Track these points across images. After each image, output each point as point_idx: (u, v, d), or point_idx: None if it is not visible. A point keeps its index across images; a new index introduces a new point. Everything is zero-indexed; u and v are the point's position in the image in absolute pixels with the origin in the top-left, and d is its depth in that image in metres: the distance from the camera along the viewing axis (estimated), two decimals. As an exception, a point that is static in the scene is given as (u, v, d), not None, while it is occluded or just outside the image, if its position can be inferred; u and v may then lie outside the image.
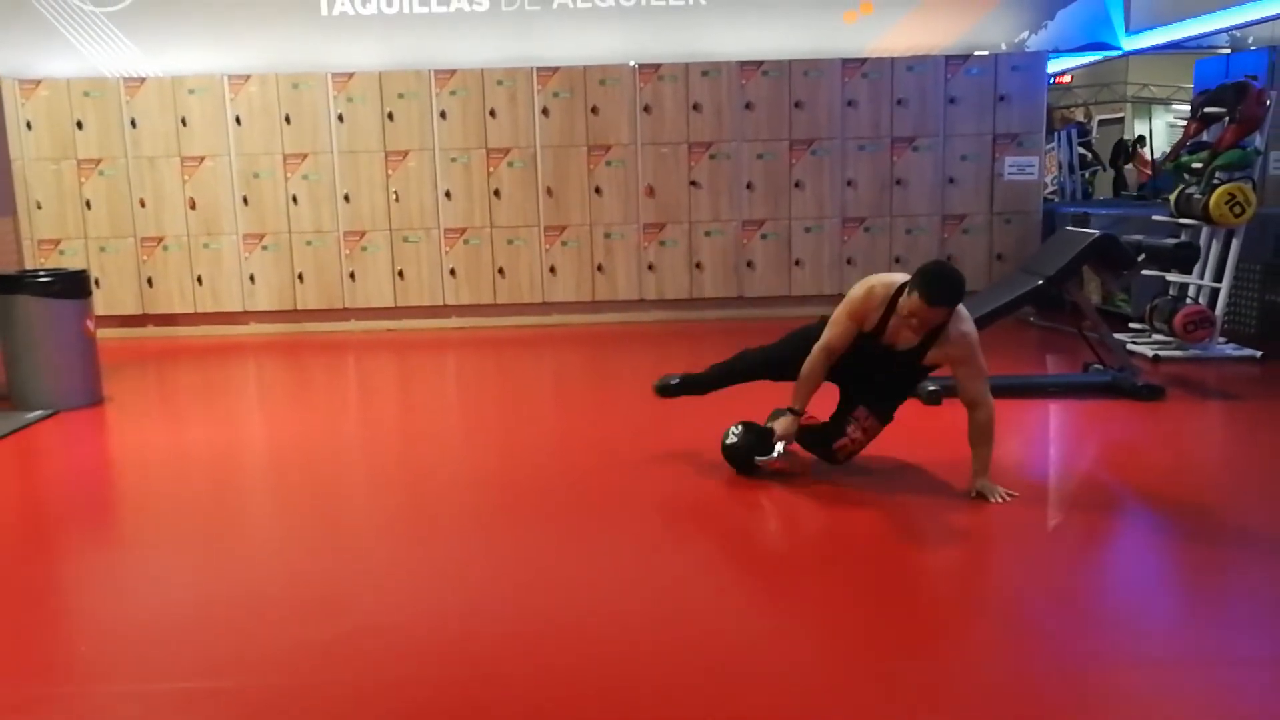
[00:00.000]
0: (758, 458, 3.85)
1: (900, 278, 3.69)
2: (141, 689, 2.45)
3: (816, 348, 3.78)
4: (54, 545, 3.55)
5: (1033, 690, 2.36)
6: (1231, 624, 2.72)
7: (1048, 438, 4.67)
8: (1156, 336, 6.17)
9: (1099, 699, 2.30)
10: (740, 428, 3.92)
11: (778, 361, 4.01)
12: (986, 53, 7.94)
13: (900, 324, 3.62)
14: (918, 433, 4.30)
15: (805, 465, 3.94)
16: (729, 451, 3.92)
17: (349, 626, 2.75)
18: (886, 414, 3.88)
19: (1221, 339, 6.11)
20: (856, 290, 3.75)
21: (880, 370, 3.78)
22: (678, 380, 4.32)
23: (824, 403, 3.93)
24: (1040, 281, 5.06)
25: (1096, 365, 5.36)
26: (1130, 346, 6.02)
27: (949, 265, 3.69)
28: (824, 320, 3.95)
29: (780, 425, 3.88)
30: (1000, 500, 3.58)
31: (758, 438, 3.87)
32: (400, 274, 7.82)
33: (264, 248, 7.78)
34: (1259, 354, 5.92)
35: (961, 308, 3.63)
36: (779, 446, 3.83)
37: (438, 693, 2.40)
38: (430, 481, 4.16)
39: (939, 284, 3.49)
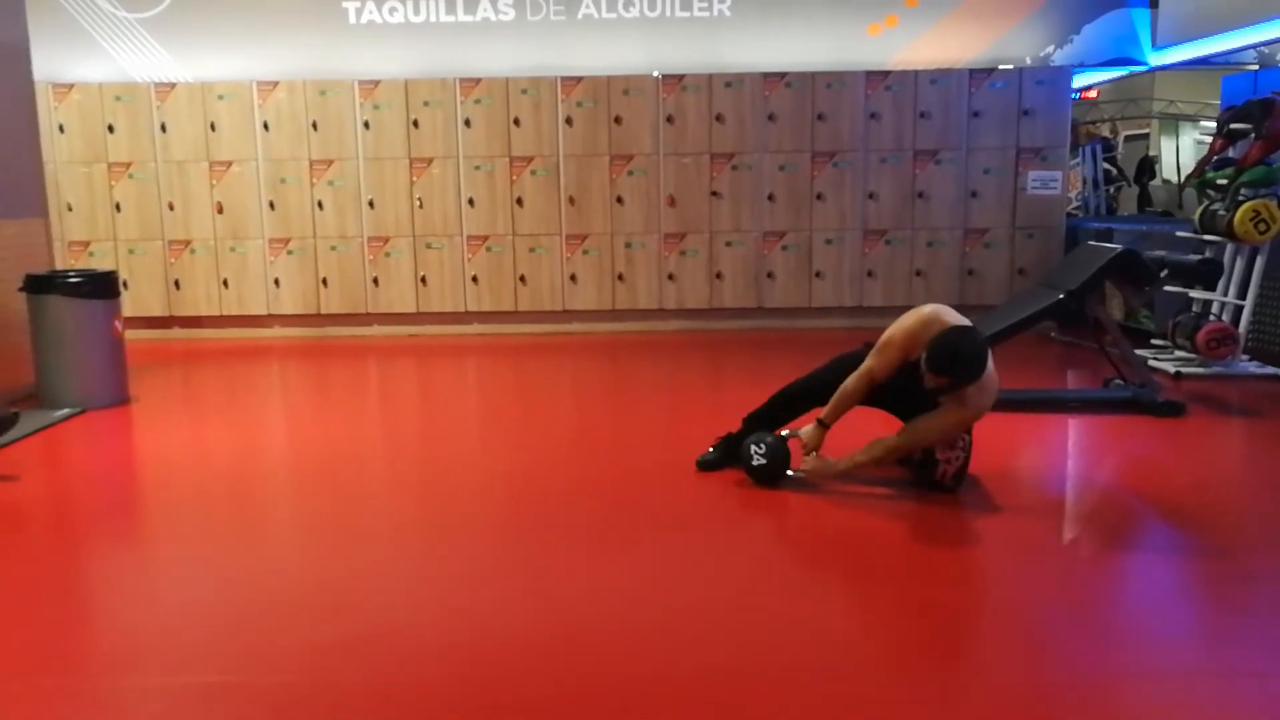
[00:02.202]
0: (789, 471, 3.88)
1: (954, 321, 3.65)
2: (163, 682, 2.49)
3: (860, 371, 3.77)
4: (79, 541, 3.61)
5: (1045, 701, 2.36)
6: (1247, 638, 2.70)
7: (1066, 452, 4.65)
8: (1179, 353, 6.14)
9: (1112, 710, 2.30)
10: (762, 448, 3.88)
11: (825, 389, 3.96)
12: (1011, 66, 7.94)
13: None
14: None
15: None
16: (756, 473, 3.89)
17: (367, 627, 2.78)
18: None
19: (1245, 356, 6.06)
20: (911, 322, 3.70)
21: (917, 395, 3.73)
22: (714, 450, 4.18)
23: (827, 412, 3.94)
24: (1061, 296, 5.05)
25: (1117, 381, 5.34)
26: (1152, 363, 6.00)
27: (966, 340, 3.51)
28: (868, 346, 3.95)
29: (808, 438, 3.88)
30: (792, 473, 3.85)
31: (779, 454, 3.87)
32: (423, 280, 7.89)
33: (289, 252, 7.86)
34: (1282, 372, 5.88)
35: (992, 375, 3.59)
36: (809, 460, 3.87)
37: (453, 695, 2.42)
38: (449, 486, 4.19)
39: (941, 355, 3.46)
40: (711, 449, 4.21)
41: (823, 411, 3.86)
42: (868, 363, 3.77)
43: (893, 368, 3.72)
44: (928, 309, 3.74)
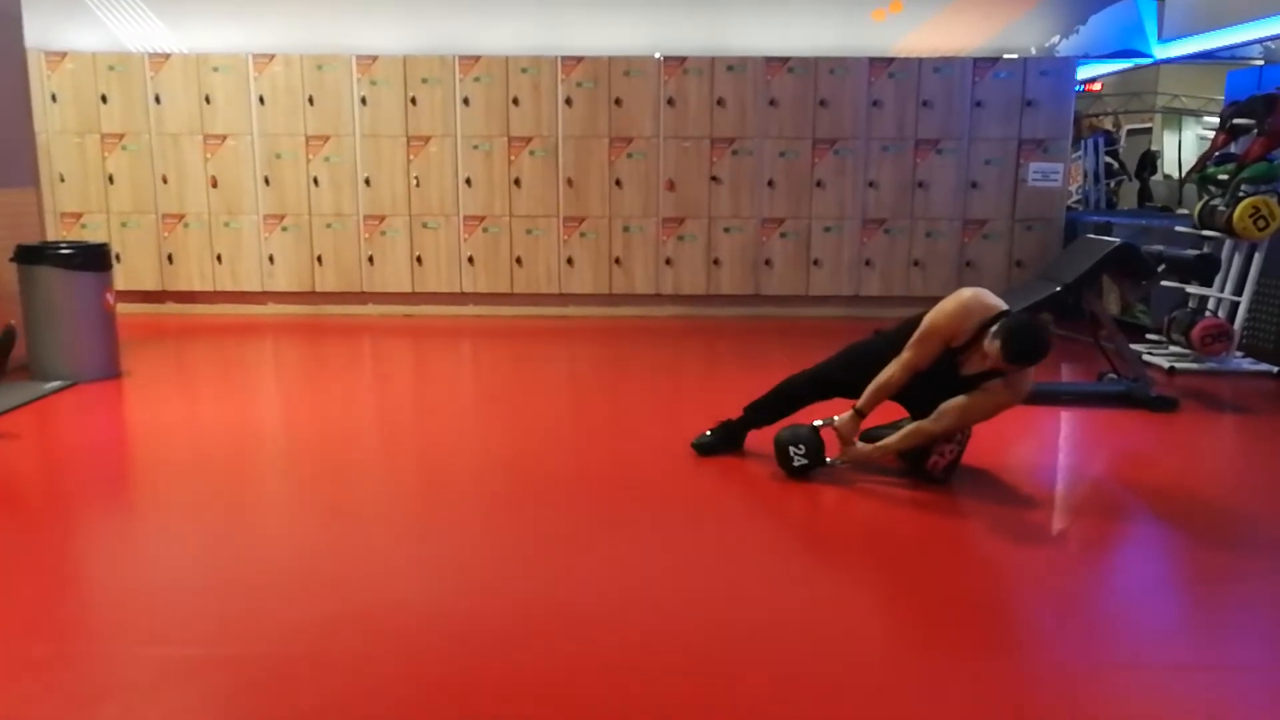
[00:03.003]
0: (827, 460, 3.85)
1: (996, 305, 3.62)
2: (151, 652, 2.49)
3: (903, 362, 3.68)
4: (68, 511, 3.58)
5: (1029, 692, 2.35)
6: (1234, 632, 2.70)
7: (1058, 445, 4.64)
8: (1173, 348, 6.12)
9: (1098, 702, 2.29)
10: (802, 448, 3.81)
11: (832, 381, 3.95)
12: (1015, 56, 7.89)
13: (979, 355, 3.58)
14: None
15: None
16: (797, 473, 3.83)
17: (355, 603, 2.77)
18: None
19: (1239, 353, 6.06)
20: (950, 306, 3.65)
21: (938, 384, 3.70)
22: (711, 434, 4.17)
23: (832, 406, 3.92)
24: (1058, 288, 5.03)
25: (1111, 375, 5.32)
26: (1146, 357, 5.98)
27: (1039, 325, 3.55)
28: (879, 334, 3.92)
29: (844, 427, 3.81)
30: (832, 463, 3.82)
31: (818, 451, 3.82)
32: (419, 260, 7.85)
33: (284, 229, 7.82)
34: (1276, 370, 5.87)
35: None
36: (847, 450, 3.84)
37: (443, 669, 2.41)
38: (440, 465, 4.18)
39: (1022, 345, 3.44)
40: (710, 432, 4.18)
41: (859, 401, 3.77)
42: (907, 354, 3.68)
43: (935, 356, 3.66)
44: (967, 293, 3.68)
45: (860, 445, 3.84)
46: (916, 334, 3.69)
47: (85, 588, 2.98)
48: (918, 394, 3.76)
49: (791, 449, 3.82)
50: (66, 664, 2.44)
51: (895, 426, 3.88)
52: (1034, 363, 3.52)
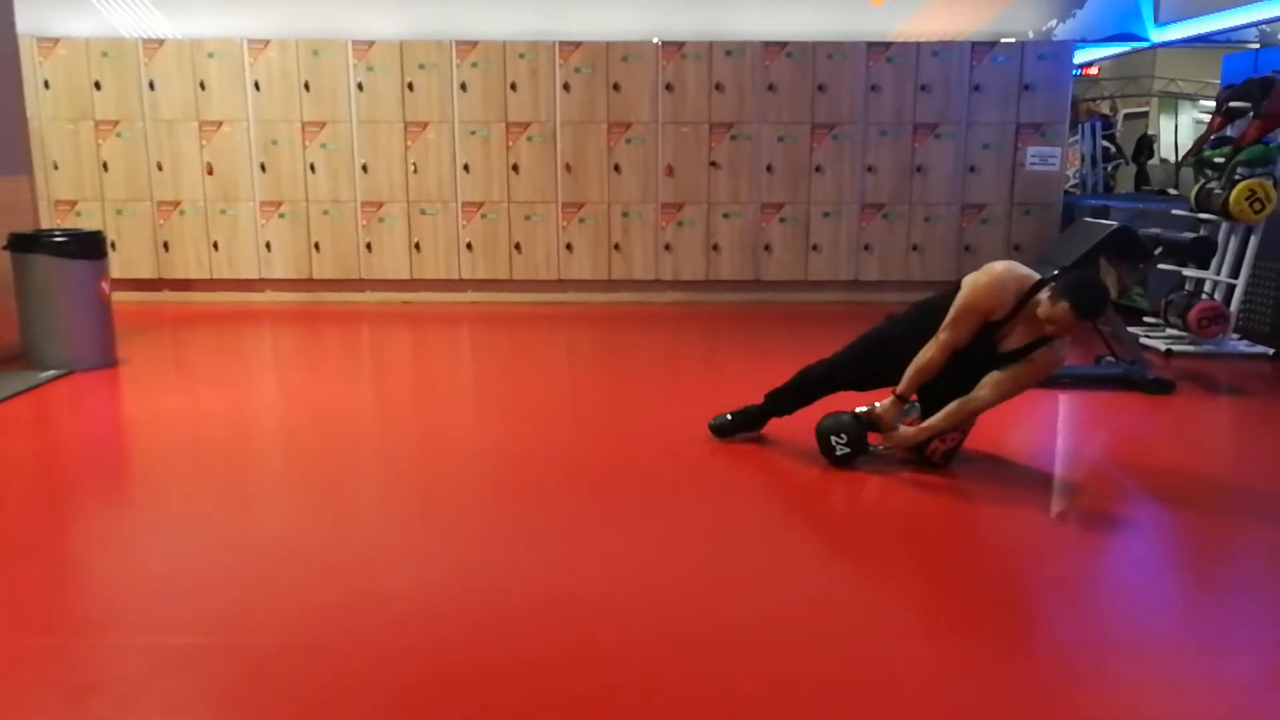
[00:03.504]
0: (870, 448, 3.83)
1: (1030, 275, 3.58)
2: (146, 642, 2.48)
3: (941, 343, 3.62)
4: (63, 501, 3.58)
5: (1024, 673, 2.36)
6: (1228, 613, 2.72)
7: (1056, 428, 4.65)
8: (1170, 331, 6.13)
9: (1092, 682, 2.30)
10: (844, 437, 3.77)
11: (849, 369, 3.91)
12: (1013, 40, 7.87)
13: (1024, 326, 3.54)
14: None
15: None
16: (840, 462, 3.80)
17: (353, 590, 2.77)
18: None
19: (1235, 335, 6.07)
20: (983, 280, 3.58)
21: (972, 364, 3.64)
22: (731, 417, 4.16)
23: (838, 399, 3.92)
24: (1056, 272, 5.02)
25: (1108, 357, 5.33)
26: (1143, 340, 5.99)
27: (1098, 279, 3.55)
28: (891, 320, 3.89)
29: (885, 413, 3.76)
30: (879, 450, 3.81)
31: (860, 440, 3.78)
32: (417, 246, 7.83)
33: (281, 216, 7.79)
34: (1271, 352, 5.88)
35: None
36: (889, 436, 3.79)
37: (440, 658, 2.41)
38: (438, 453, 4.17)
39: (1093, 299, 3.43)
40: (729, 415, 4.17)
41: (899, 385, 3.72)
42: (945, 334, 3.62)
43: (973, 333, 3.60)
44: (1000, 266, 3.62)
45: (903, 429, 3.77)
46: (952, 313, 3.61)
47: (80, 577, 2.96)
48: (949, 376, 3.69)
49: (833, 438, 3.79)
50: (60, 655, 2.43)
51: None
52: (1101, 315, 3.61)
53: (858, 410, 3.83)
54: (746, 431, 4.15)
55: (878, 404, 3.81)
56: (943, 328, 3.63)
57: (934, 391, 3.73)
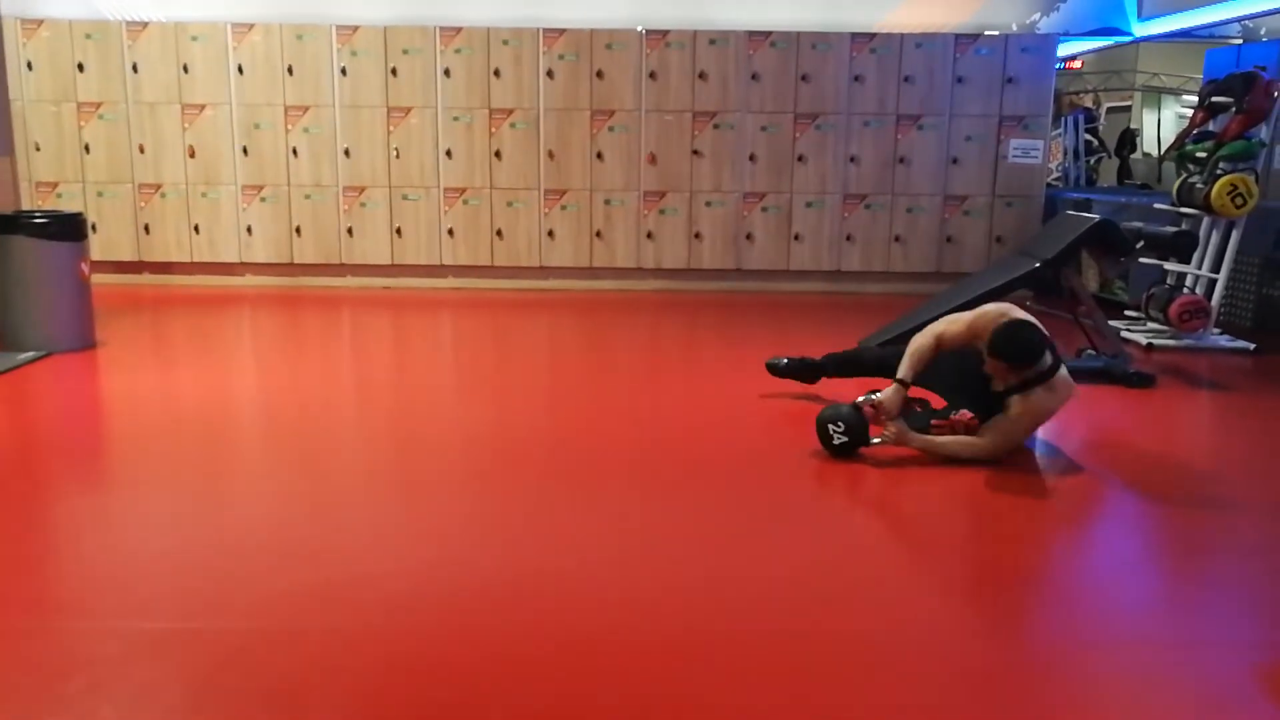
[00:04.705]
0: (872, 440, 3.83)
1: (1020, 315, 3.71)
2: (120, 626, 2.47)
3: (934, 331, 3.77)
4: (39, 484, 3.56)
5: (1004, 667, 2.38)
6: (1207, 607, 2.74)
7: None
8: (1151, 325, 6.17)
9: (1071, 677, 2.32)
10: (841, 426, 3.76)
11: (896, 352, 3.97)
12: (997, 33, 7.89)
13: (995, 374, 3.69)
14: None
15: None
16: (837, 451, 3.80)
17: (331, 576, 2.76)
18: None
19: (1216, 330, 6.12)
20: (980, 310, 3.77)
21: (980, 392, 3.77)
22: (786, 361, 4.48)
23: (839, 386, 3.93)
24: (1037, 264, 5.06)
25: (1090, 351, 5.36)
26: (1125, 334, 6.03)
27: (1024, 328, 3.61)
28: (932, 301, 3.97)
29: (887, 400, 3.77)
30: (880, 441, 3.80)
31: (859, 430, 3.78)
32: (398, 232, 7.80)
33: (262, 199, 7.74)
34: (1252, 346, 5.93)
35: (1063, 379, 3.68)
36: (891, 427, 3.80)
37: (421, 643, 2.41)
38: (418, 437, 4.16)
39: (1005, 340, 3.56)
40: (786, 360, 4.50)
41: (900, 370, 3.78)
42: (941, 328, 3.76)
43: (958, 341, 3.73)
44: (992, 310, 3.77)
45: (910, 434, 3.78)
46: (958, 322, 3.77)
47: (55, 560, 2.94)
48: (969, 392, 3.82)
49: (831, 427, 3.78)
50: (33, 637, 2.41)
51: (943, 414, 3.92)
52: (1015, 360, 3.58)
53: (858, 400, 3.85)
54: (798, 379, 4.40)
55: (878, 393, 3.82)
56: (945, 320, 3.77)
57: (962, 394, 3.85)
